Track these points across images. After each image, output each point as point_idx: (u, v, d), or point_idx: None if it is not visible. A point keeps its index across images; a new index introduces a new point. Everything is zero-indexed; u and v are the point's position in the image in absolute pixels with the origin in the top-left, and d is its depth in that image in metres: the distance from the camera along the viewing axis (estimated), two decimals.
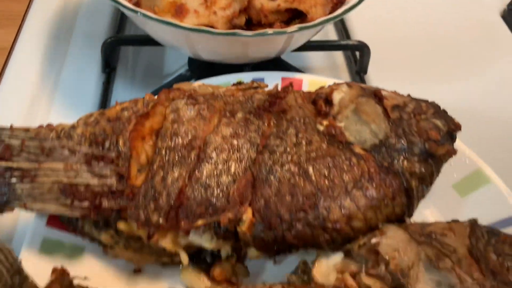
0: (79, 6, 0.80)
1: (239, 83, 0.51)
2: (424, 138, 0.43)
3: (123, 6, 0.52)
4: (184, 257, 0.40)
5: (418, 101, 0.48)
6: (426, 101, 0.48)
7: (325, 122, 0.44)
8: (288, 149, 0.42)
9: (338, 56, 0.79)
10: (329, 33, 0.83)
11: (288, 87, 0.48)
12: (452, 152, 0.45)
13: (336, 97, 0.47)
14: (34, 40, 0.72)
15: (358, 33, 0.79)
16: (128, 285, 0.41)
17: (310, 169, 0.41)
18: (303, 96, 0.48)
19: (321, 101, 0.47)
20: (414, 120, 0.45)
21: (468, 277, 0.35)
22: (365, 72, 0.72)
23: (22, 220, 0.48)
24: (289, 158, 0.41)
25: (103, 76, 0.69)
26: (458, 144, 0.50)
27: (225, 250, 0.41)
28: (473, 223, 0.40)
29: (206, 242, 0.39)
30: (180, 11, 0.56)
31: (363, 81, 0.72)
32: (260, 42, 0.55)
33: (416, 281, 0.35)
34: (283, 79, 0.57)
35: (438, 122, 0.45)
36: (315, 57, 0.79)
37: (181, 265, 0.42)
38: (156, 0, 0.58)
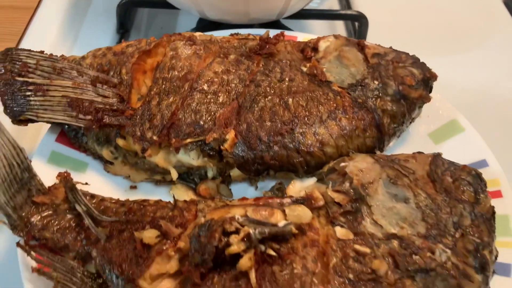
0: None
1: (236, 33, 0.56)
2: (398, 82, 0.47)
3: None
4: (174, 173, 0.45)
5: (399, 52, 0.51)
6: (406, 53, 0.52)
7: (308, 64, 0.49)
8: (272, 84, 0.46)
9: (340, 26, 0.83)
10: (333, 5, 0.87)
11: (279, 35, 0.53)
12: (425, 97, 0.49)
13: (322, 45, 0.51)
14: (57, 2, 0.79)
15: (360, 5, 0.82)
16: (124, 198, 0.46)
17: (290, 100, 0.45)
18: (293, 44, 0.53)
19: (308, 49, 0.51)
20: (392, 67, 0.49)
21: (422, 192, 0.39)
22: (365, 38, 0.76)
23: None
24: (272, 91, 0.46)
25: (117, 37, 0.75)
26: (436, 96, 0.53)
27: (211, 171, 0.46)
28: (436, 154, 0.43)
29: (193, 159, 0.44)
30: None
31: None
32: (260, 0, 0.60)
33: (375, 193, 0.39)
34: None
35: (414, 70, 0.49)
36: (317, 27, 0.82)
37: (172, 183, 0.47)
38: None
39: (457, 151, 0.50)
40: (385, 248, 0.35)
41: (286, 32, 0.62)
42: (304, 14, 0.73)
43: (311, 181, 0.44)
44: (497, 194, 0.45)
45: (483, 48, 0.80)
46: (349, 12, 0.74)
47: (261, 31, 0.62)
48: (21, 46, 0.69)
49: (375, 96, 0.46)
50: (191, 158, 0.44)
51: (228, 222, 0.35)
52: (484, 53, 0.79)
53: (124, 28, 0.75)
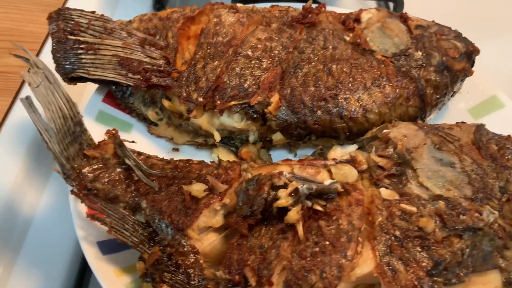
0: None
1: (277, 5, 0.56)
2: (442, 53, 0.47)
3: None
4: (217, 135, 0.46)
5: (441, 26, 0.51)
6: (449, 27, 0.52)
7: (351, 34, 0.49)
8: (315, 51, 0.47)
9: (372, 6, 0.83)
10: None
11: (321, 6, 0.53)
12: (468, 70, 0.49)
13: (365, 16, 0.51)
14: None
15: None
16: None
17: (334, 67, 0.46)
18: (334, 15, 0.53)
19: (350, 20, 0.51)
20: (435, 39, 0.49)
21: (468, 157, 0.39)
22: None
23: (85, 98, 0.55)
24: (316, 58, 0.46)
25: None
26: (476, 72, 0.53)
27: (253, 135, 0.47)
28: (479, 124, 0.43)
29: (236, 122, 0.45)
30: None
31: None
32: None
33: (420, 157, 0.39)
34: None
35: (458, 43, 0.49)
36: (350, 5, 0.82)
37: (213, 147, 0.48)
38: None
39: (497, 126, 0.49)
40: (432, 208, 0.35)
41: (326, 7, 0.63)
42: None
43: (352, 148, 0.44)
44: None
45: None
46: None
47: (299, 5, 0.63)
48: None
49: (419, 66, 0.46)
50: (234, 121, 0.45)
51: (276, 177, 0.36)
52: None
53: (160, 3, 0.76)
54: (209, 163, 0.42)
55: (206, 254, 0.37)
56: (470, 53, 0.49)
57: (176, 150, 0.49)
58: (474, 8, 0.82)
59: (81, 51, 0.44)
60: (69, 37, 0.44)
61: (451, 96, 0.50)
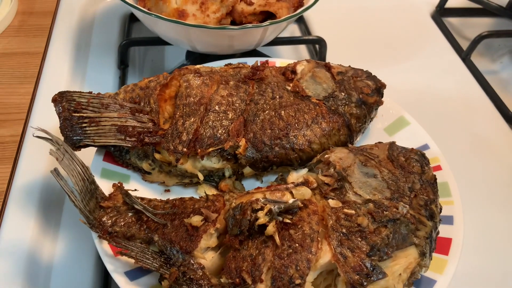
0: (93, 18, 0.98)
1: (229, 64, 0.70)
2: (359, 92, 0.63)
3: (142, 11, 0.71)
4: (200, 175, 0.58)
5: (356, 69, 0.68)
6: (361, 69, 0.68)
7: (291, 84, 0.64)
8: (267, 101, 0.61)
9: (303, 50, 0.99)
10: (295, 32, 1.03)
11: (265, 63, 0.68)
12: (379, 101, 0.65)
13: (299, 68, 0.67)
14: (61, 47, 0.90)
15: (317, 31, 0.99)
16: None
17: (283, 112, 0.60)
18: (276, 69, 0.68)
19: (288, 72, 0.66)
20: (352, 81, 0.65)
21: (385, 169, 0.55)
22: (324, 60, 0.92)
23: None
24: (268, 106, 0.61)
25: (119, 72, 0.88)
26: (386, 99, 0.70)
27: (228, 171, 0.60)
28: (391, 142, 0.59)
29: (214, 163, 0.58)
30: (182, 14, 0.75)
31: None
32: (243, 35, 0.75)
33: (352, 173, 0.54)
34: (260, 62, 0.76)
35: (369, 82, 0.65)
36: (285, 51, 0.99)
37: (198, 184, 0.60)
38: (162, 7, 0.77)
39: (406, 139, 0.67)
40: (365, 209, 0.50)
41: (265, 59, 0.78)
42: (276, 42, 0.89)
43: (304, 171, 0.59)
44: (438, 168, 0.62)
45: (418, 56, 0.98)
46: (311, 37, 0.91)
47: (245, 59, 0.77)
48: (40, 87, 0.81)
49: (343, 104, 0.62)
50: (213, 163, 0.58)
51: (254, 203, 0.49)
52: (419, 61, 0.97)
53: (124, 64, 0.88)
54: (198, 198, 0.55)
55: (208, 268, 0.50)
56: (379, 88, 0.66)
57: (167, 191, 0.61)
58: (381, 39, 1.02)
59: (85, 125, 0.55)
60: (74, 114, 0.55)
61: (370, 122, 0.66)
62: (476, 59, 1.00)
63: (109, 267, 0.50)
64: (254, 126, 0.59)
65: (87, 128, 0.55)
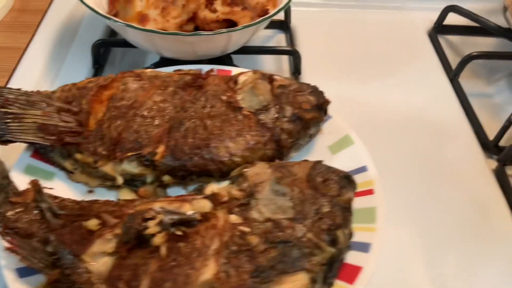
0: (82, 18, 1.01)
1: (179, 70, 0.70)
2: (296, 106, 0.61)
3: (103, 16, 0.72)
4: (119, 179, 0.58)
5: (302, 84, 0.66)
6: (308, 84, 0.66)
7: (228, 94, 0.63)
8: (197, 109, 0.60)
9: (285, 60, 0.98)
10: (281, 42, 1.01)
11: (210, 71, 0.67)
12: (318, 118, 0.62)
13: (241, 78, 0.65)
14: (42, 43, 0.94)
15: (304, 42, 0.97)
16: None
17: (208, 122, 0.59)
18: (221, 78, 0.67)
19: (230, 81, 0.65)
20: (292, 95, 0.63)
21: (297, 188, 0.52)
22: (299, 73, 0.90)
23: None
24: (196, 115, 0.60)
25: (92, 71, 0.90)
26: (336, 116, 0.67)
27: (149, 177, 0.59)
28: (317, 161, 0.57)
29: (133, 168, 0.58)
30: (143, 19, 0.76)
31: (297, 80, 0.90)
32: (201, 41, 0.74)
33: (262, 190, 0.52)
34: (218, 70, 0.75)
35: (311, 97, 0.63)
36: (266, 61, 0.97)
37: (119, 187, 0.60)
38: (128, 10, 0.78)
39: (347, 159, 0.63)
40: (262, 228, 0.48)
41: (225, 67, 0.77)
42: (246, 50, 0.87)
43: (226, 183, 0.57)
44: (369, 192, 0.59)
45: (405, 74, 0.94)
46: (284, 48, 0.89)
47: (201, 66, 0.76)
48: (11, 81, 0.84)
49: (275, 118, 0.60)
50: (132, 168, 0.58)
51: (146, 211, 0.48)
52: (405, 78, 0.93)
53: (98, 64, 0.90)
54: (112, 201, 0.55)
55: (100, 273, 0.49)
56: (321, 104, 0.63)
57: (91, 192, 0.61)
58: (367, 55, 0.98)
59: (9, 121, 0.57)
60: (0, 109, 0.57)
61: (310, 138, 0.64)
62: (470, 80, 0.95)
63: (2, 262, 0.50)
64: (177, 133, 0.58)
65: (10, 124, 0.57)
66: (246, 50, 0.87)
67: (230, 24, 0.79)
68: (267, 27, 1.04)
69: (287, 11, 1.01)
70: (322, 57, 0.97)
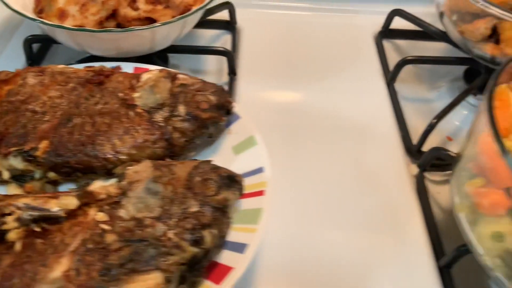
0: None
1: (89, 66, 0.69)
2: (192, 106, 0.60)
3: (21, 14, 0.72)
4: (6, 174, 0.58)
5: (206, 83, 0.65)
6: (214, 84, 0.65)
7: (126, 92, 0.62)
8: (89, 106, 0.60)
9: (225, 61, 0.97)
10: (227, 42, 1.00)
11: (116, 68, 0.66)
12: (217, 118, 0.61)
13: (144, 76, 0.65)
14: None
15: (249, 44, 0.97)
16: None
17: (98, 119, 0.58)
18: (127, 75, 0.66)
19: (134, 79, 0.64)
20: (191, 94, 0.62)
21: (171, 187, 0.51)
22: (234, 73, 0.89)
23: None
24: (86, 111, 0.59)
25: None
26: (245, 117, 0.66)
27: (37, 173, 0.58)
28: (203, 161, 0.56)
29: (18, 163, 0.57)
30: (62, 15, 0.76)
31: (232, 80, 0.89)
32: (119, 38, 0.73)
33: (136, 188, 0.51)
34: (135, 68, 0.74)
35: (211, 97, 0.62)
36: (208, 61, 0.96)
37: (7, 182, 0.60)
38: (52, 6, 0.78)
39: (248, 160, 0.62)
40: (123, 226, 0.47)
41: (141, 65, 0.76)
42: (180, 49, 0.87)
43: (112, 181, 0.56)
44: (260, 193, 0.57)
45: (344, 78, 0.93)
46: (215, 48, 0.88)
47: (120, 63, 0.75)
48: None
49: (168, 116, 0.59)
50: (17, 163, 0.57)
51: (5, 206, 0.47)
52: (344, 82, 0.92)
53: (32, 60, 0.89)
54: None
55: None
56: (221, 104, 0.62)
57: None
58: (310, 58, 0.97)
59: None
60: None
61: (210, 137, 0.63)
62: (413, 85, 0.94)
63: None
64: (63, 129, 0.57)
65: None
66: (179, 49, 0.86)
67: (152, 22, 0.78)
68: (214, 28, 1.05)
69: (232, 12, 1.01)
70: (264, 59, 0.97)
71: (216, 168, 0.55)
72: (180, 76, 0.65)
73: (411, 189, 0.72)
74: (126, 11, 0.76)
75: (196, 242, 0.47)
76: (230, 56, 0.87)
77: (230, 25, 1.02)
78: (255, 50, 0.99)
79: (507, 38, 0.79)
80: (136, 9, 0.77)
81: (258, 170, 0.61)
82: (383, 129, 0.83)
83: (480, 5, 0.74)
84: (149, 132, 0.58)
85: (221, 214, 0.50)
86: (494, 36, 0.81)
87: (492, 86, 0.52)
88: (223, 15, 1.01)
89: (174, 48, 0.85)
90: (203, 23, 1.02)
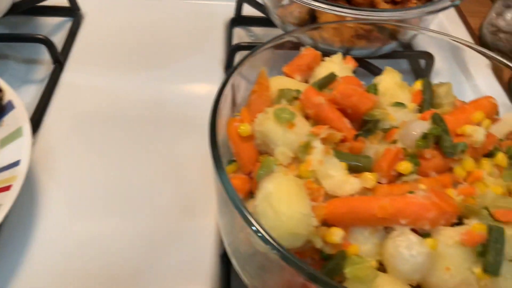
0: None
1: None
2: None
3: None
4: None
5: None
6: None
7: None
8: None
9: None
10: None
11: None
12: None
13: None
14: None
15: (87, 31, 0.93)
16: None
17: None
18: None
19: None
20: None
21: None
22: (58, 61, 0.84)
23: None
24: None
25: None
26: (18, 108, 0.61)
27: None
28: None
29: None
30: None
31: (56, 69, 0.83)
32: None
33: None
34: None
35: None
36: (39, 50, 0.89)
37: None
38: None
39: (11, 153, 0.58)
40: None
41: None
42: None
43: None
44: (9, 188, 0.53)
45: (186, 65, 0.89)
46: (31, 35, 0.83)
47: None
48: None
49: None
50: None
51: None
52: (184, 69, 0.88)
53: None
54: None
55: None
56: None
57: None
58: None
59: None
60: None
61: None
62: None
63: None
64: None
65: None
66: None
67: None
68: (56, 15, 0.99)
69: None
70: (104, 47, 0.92)
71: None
72: None
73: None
74: None
75: None
76: (50, 44, 0.82)
77: (72, 12, 0.97)
78: (96, 37, 0.94)
79: (324, 22, 0.78)
80: None
81: (14, 164, 0.56)
82: (205, 120, 0.80)
83: None
84: None
85: None
86: (315, 20, 0.80)
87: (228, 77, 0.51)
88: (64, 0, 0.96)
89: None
90: (43, 10, 0.97)
